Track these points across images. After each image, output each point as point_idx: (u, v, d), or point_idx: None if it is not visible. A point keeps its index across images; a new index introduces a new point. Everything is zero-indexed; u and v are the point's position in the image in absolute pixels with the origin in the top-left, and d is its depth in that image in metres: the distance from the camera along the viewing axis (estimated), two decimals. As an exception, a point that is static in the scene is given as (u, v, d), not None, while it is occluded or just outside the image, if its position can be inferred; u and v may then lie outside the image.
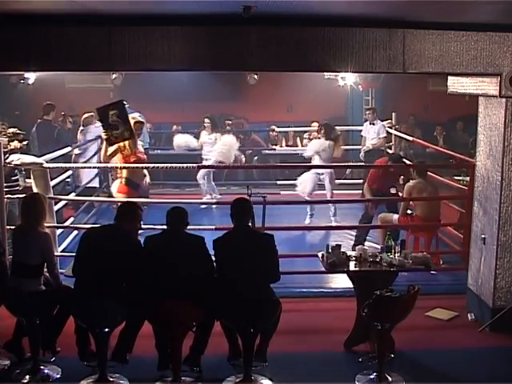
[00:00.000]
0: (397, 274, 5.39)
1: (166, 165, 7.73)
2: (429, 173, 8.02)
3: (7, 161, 6.76)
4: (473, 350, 5.58)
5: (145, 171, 8.27)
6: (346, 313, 5.69)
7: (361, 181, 10.37)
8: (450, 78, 6.41)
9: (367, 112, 11.36)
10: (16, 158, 6.91)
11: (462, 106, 11.08)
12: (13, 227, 5.64)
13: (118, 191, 7.63)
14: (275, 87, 13.01)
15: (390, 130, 11.19)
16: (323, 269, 5.59)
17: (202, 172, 10.50)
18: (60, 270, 5.37)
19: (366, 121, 11.28)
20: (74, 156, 10.26)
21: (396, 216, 7.80)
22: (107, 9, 4.87)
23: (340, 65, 5.46)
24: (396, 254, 5.46)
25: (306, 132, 12.95)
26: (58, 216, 7.67)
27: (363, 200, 8.42)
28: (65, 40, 5.20)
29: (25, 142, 7.44)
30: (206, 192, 10.61)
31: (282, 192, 10.72)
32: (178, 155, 10.70)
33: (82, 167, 9.94)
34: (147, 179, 8.72)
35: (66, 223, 8.29)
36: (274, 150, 13.17)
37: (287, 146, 13.53)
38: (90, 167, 10.09)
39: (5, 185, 6.51)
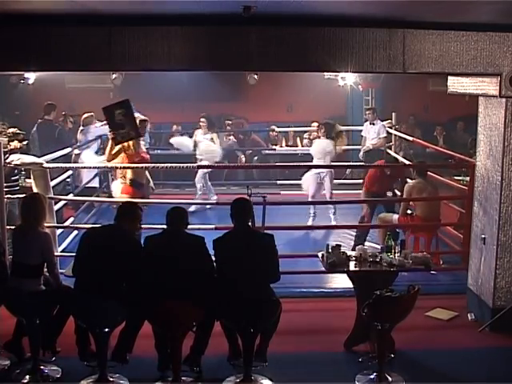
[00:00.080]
0: (397, 274, 5.39)
1: (166, 165, 7.73)
2: (429, 173, 8.03)
3: (7, 161, 6.76)
4: (473, 350, 5.59)
5: (146, 172, 8.26)
6: (346, 313, 5.69)
7: (361, 181, 10.35)
8: (449, 78, 6.41)
9: (367, 112, 11.36)
10: (16, 158, 6.91)
11: (462, 106, 11.08)
12: (13, 227, 5.63)
13: (122, 192, 7.56)
14: (275, 87, 13.01)
15: (390, 130, 11.18)
16: (323, 269, 5.59)
17: (200, 174, 10.39)
18: (60, 270, 5.38)
19: (366, 121, 11.28)
20: (73, 156, 10.26)
21: (396, 216, 7.81)
22: (107, 9, 4.87)
23: (340, 65, 5.46)
24: (396, 254, 5.46)
25: (306, 132, 12.96)
26: (57, 216, 7.66)
27: (363, 201, 8.41)
28: (65, 40, 5.20)
29: (25, 142, 7.44)
30: (202, 193, 10.53)
31: (282, 192, 10.73)
32: (178, 155, 10.68)
33: (82, 167, 9.94)
34: (151, 183, 8.71)
35: (66, 223, 8.29)
36: (274, 150, 13.17)
37: (287, 146, 13.53)
38: (90, 167, 10.08)
39: (5, 185, 6.51)
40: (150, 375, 4.98)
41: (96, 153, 10.98)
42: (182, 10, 4.93)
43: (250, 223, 5.18)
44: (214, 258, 4.94)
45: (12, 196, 6.79)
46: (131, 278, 4.87)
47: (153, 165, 7.97)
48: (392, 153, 11.07)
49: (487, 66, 5.48)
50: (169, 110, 13.33)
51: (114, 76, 11.13)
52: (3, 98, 11.86)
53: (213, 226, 7.06)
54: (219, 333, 5.06)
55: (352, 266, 5.43)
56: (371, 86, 13.11)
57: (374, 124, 10.91)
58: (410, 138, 10.82)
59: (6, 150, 6.79)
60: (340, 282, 6.81)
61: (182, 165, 7.68)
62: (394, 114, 11.38)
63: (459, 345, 5.73)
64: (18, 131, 7.41)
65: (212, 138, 10.42)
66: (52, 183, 7.42)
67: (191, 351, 5.01)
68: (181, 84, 12.27)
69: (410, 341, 5.61)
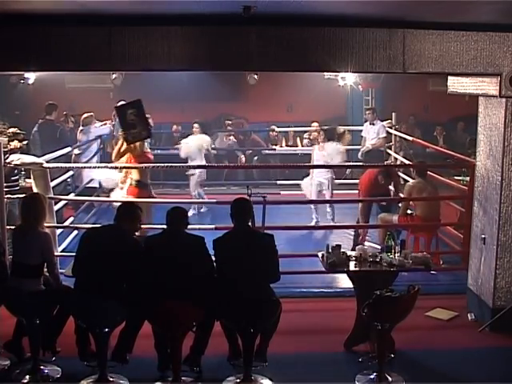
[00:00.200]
0: (397, 274, 5.39)
1: (165, 165, 7.73)
2: (429, 173, 8.03)
3: (7, 161, 6.76)
4: (472, 350, 5.58)
5: None
6: (346, 313, 5.69)
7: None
8: (449, 78, 6.41)
9: (367, 112, 11.35)
10: (16, 158, 6.91)
11: (461, 106, 11.08)
12: (13, 227, 5.64)
13: (128, 194, 7.54)
14: (275, 87, 13.01)
15: (390, 130, 11.18)
16: (323, 269, 5.59)
17: (193, 181, 10.20)
18: (60, 270, 5.38)
19: (366, 121, 11.28)
20: (73, 156, 10.27)
21: (396, 216, 7.81)
22: (107, 9, 4.87)
23: (340, 65, 5.46)
24: (396, 254, 5.46)
25: (306, 132, 12.97)
26: (57, 216, 7.66)
27: (363, 200, 8.40)
28: (65, 40, 5.20)
29: (25, 142, 7.45)
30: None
31: (282, 192, 10.73)
32: (178, 155, 10.68)
33: (81, 167, 9.94)
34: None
35: (66, 223, 8.29)
36: (274, 150, 13.18)
37: (287, 145, 13.54)
38: (90, 167, 10.08)
39: (5, 185, 6.51)
40: (150, 375, 4.98)
41: (96, 153, 11.00)
42: (182, 10, 4.93)
43: (249, 223, 5.19)
44: (213, 258, 4.94)
45: (12, 196, 6.79)
46: (131, 278, 4.87)
47: (153, 165, 7.96)
48: (392, 153, 11.08)
49: (487, 66, 5.48)
50: (169, 110, 13.32)
51: (113, 76, 11.13)
52: (3, 97, 11.85)
53: (213, 226, 7.06)
54: (219, 333, 5.06)
55: (352, 266, 5.43)
56: (371, 86, 13.12)
57: (373, 124, 10.90)
58: (410, 138, 10.82)
59: (5, 149, 6.79)
60: (340, 281, 6.82)
61: (182, 165, 7.68)
62: (394, 113, 11.39)
63: (459, 345, 5.73)
64: (18, 131, 7.41)
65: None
66: (53, 183, 7.42)
67: (191, 351, 5.01)
68: (181, 84, 12.27)
69: (409, 341, 5.61)
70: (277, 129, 13.44)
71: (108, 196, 8.34)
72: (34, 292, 4.90)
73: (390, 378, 4.93)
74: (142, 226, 6.53)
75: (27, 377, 4.97)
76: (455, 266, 7.52)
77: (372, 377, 4.97)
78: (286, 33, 5.31)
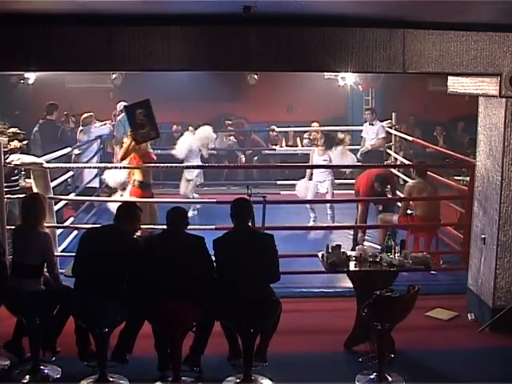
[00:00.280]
0: (397, 274, 5.39)
1: (166, 165, 7.73)
2: (429, 173, 8.03)
3: (7, 161, 6.76)
4: (472, 350, 5.58)
5: None
6: (346, 313, 5.69)
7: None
8: (449, 78, 6.41)
9: (366, 112, 11.34)
10: (16, 158, 6.91)
11: (462, 106, 11.08)
12: (13, 227, 5.64)
13: (131, 194, 7.52)
14: (275, 87, 13.01)
15: (390, 130, 11.18)
16: (323, 269, 5.59)
17: (190, 187, 10.09)
18: (60, 270, 5.37)
19: (366, 121, 11.28)
20: (73, 156, 10.27)
21: (396, 216, 7.81)
22: (107, 9, 4.87)
23: (340, 65, 5.46)
24: (396, 254, 5.46)
25: (306, 132, 12.96)
26: (57, 216, 7.67)
27: (362, 199, 8.39)
28: (65, 40, 5.20)
29: (25, 142, 7.45)
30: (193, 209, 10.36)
31: (282, 192, 10.73)
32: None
33: (81, 167, 9.94)
34: None
35: (66, 223, 8.29)
36: (274, 150, 13.18)
37: (287, 146, 13.54)
38: (90, 167, 10.10)
39: (5, 185, 6.51)
40: (149, 375, 4.98)
41: (96, 153, 11.00)
42: (182, 10, 4.93)
43: (249, 223, 5.19)
44: (213, 258, 4.94)
45: (12, 196, 6.79)
46: (131, 278, 4.87)
47: (153, 165, 7.96)
48: (392, 153, 11.08)
49: (487, 66, 5.48)
50: (169, 109, 13.30)
51: (113, 76, 11.14)
52: (3, 97, 11.86)
53: (213, 226, 7.05)
54: (219, 333, 5.06)
55: (352, 265, 5.42)
56: (371, 86, 13.11)
57: (373, 124, 10.89)
58: (410, 138, 10.82)
59: (6, 149, 6.79)
60: (340, 281, 6.82)
61: (182, 165, 7.67)
62: (393, 114, 11.39)
63: (459, 345, 5.72)
64: (18, 131, 7.41)
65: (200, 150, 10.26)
66: (53, 183, 7.42)
67: (191, 351, 5.01)
68: (181, 84, 12.27)
69: (410, 341, 5.61)
70: (277, 129, 13.44)
71: (114, 196, 8.28)
72: (33, 292, 4.90)
73: (390, 378, 4.93)
74: (146, 227, 6.58)
75: (27, 377, 4.97)
76: (455, 266, 7.52)
77: (372, 377, 4.97)
78: (285, 33, 5.31)
